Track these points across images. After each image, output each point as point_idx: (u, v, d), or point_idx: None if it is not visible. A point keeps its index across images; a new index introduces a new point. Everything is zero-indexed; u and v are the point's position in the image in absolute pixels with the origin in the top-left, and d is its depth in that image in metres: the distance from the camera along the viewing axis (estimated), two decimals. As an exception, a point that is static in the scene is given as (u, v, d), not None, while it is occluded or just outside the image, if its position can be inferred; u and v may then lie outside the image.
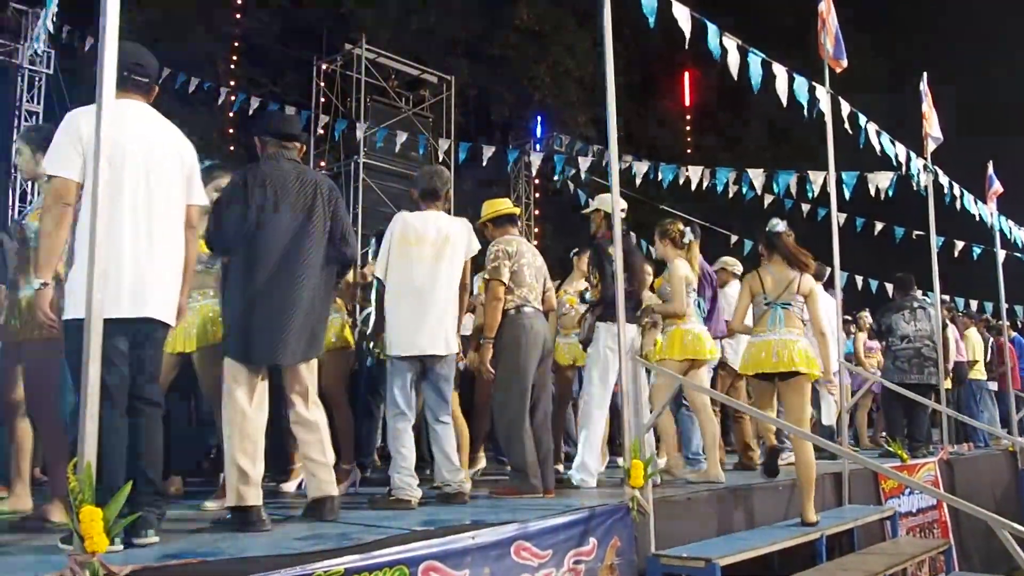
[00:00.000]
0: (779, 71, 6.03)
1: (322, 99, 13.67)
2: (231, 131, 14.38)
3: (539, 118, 17.09)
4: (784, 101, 6.08)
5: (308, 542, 3.04)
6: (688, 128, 22.42)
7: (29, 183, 9.87)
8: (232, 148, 14.32)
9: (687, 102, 22.63)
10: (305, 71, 14.02)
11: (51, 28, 8.94)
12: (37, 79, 10.25)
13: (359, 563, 2.76)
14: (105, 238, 2.53)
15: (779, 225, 5.30)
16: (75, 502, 2.24)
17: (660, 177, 13.06)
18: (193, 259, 3.34)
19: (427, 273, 4.30)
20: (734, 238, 13.59)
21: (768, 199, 11.83)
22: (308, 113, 12.95)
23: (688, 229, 5.73)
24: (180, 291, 3.23)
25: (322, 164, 13.52)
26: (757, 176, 11.59)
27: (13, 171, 9.90)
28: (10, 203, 9.69)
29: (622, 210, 5.20)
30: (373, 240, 5.69)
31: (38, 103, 10.24)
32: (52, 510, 3.44)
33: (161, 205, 3.12)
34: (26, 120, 10.10)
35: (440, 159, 13.43)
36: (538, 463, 4.67)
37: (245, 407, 3.54)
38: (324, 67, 13.64)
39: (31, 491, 3.97)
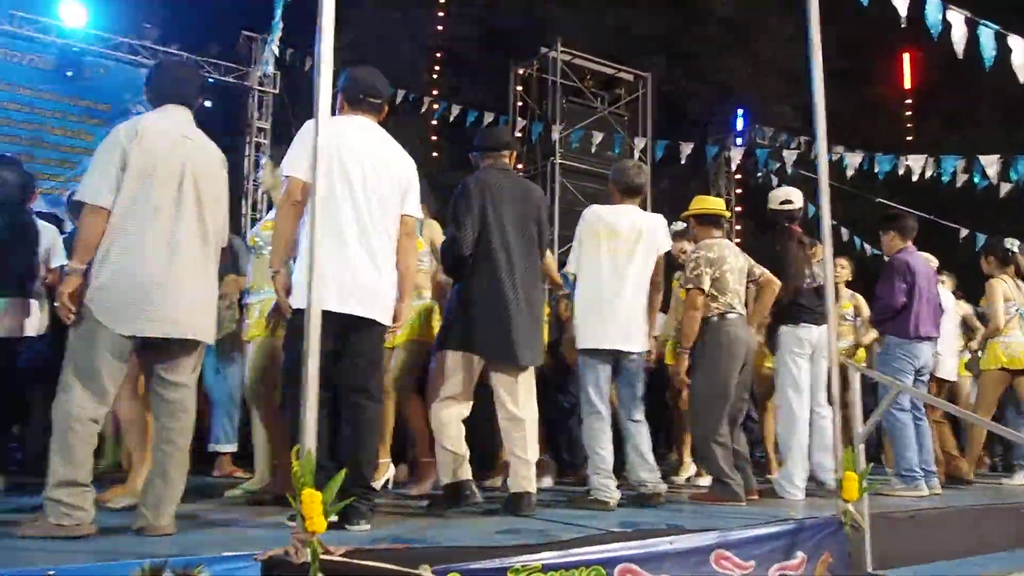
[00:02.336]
0: (1015, 44, 5.44)
1: (519, 103, 13.97)
2: (433, 138, 15.03)
3: (740, 111, 16.46)
4: (1022, 77, 5.47)
5: (508, 536, 3.10)
6: (907, 114, 20.74)
7: (260, 193, 10.85)
8: (436, 155, 14.95)
9: (906, 85, 20.93)
10: (502, 76, 14.40)
11: (276, 52, 9.83)
12: (265, 99, 11.24)
13: (557, 560, 2.77)
14: (323, 240, 2.72)
15: (1015, 245, 6.30)
16: (296, 485, 2.41)
17: (876, 168, 12.19)
18: (412, 267, 3.56)
19: (618, 267, 4.25)
20: (963, 232, 12.39)
21: (1005, 188, 10.71)
22: (505, 118, 13.27)
23: (1015, 244, 6.27)
24: (400, 298, 3.45)
25: (519, 167, 13.81)
26: (991, 163, 10.52)
27: (244, 182, 10.92)
28: (242, 212, 10.68)
29: (786, 202, 5.00)
30: None
31: (266, 120, 11.23)
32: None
33: (375, 212, 3.34)
34: (256, 136, 11.12)
35: (637, 157, 13.33)
36: (735, 469, 4.52)
37: (450, 398, 3.70)
38: (520, 71, 13.94)
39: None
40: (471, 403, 3.87)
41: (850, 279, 6.74)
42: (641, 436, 4.33)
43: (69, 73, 9.96)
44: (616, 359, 4.30)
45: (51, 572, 2.22)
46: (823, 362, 4.84)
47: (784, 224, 5.10)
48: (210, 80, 10.83)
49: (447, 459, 3.71)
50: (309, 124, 3.23)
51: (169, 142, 3.08)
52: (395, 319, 3.47)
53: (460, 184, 3.97)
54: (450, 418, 3.75)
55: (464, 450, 3.73)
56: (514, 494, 3.83)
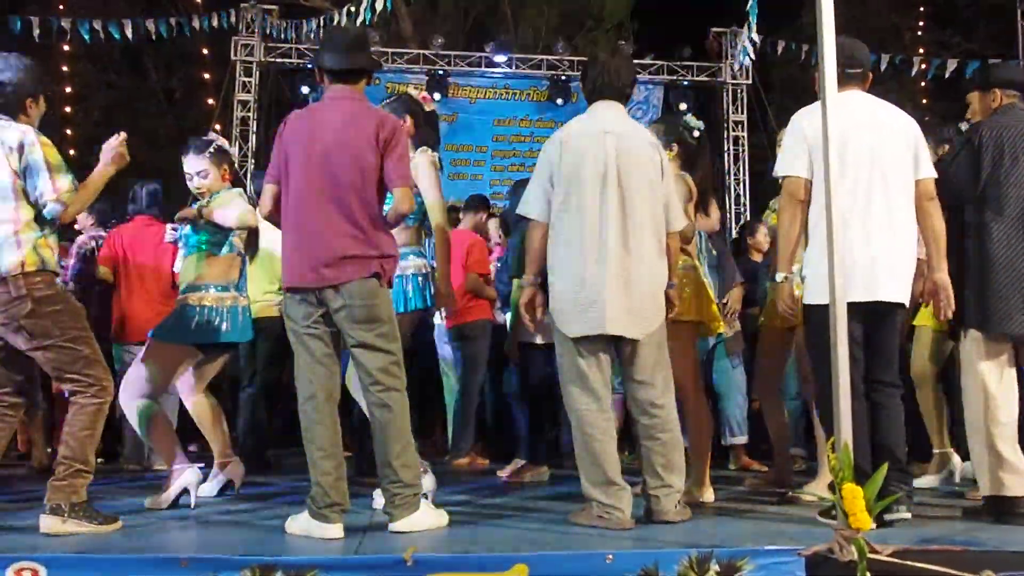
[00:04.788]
0: None
1: (1030, 43, 11.93)
2: (924, 101, 13.57)
3: None
4: None
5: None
6: None
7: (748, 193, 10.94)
8: (926, 118, 13.49)
9: None
10: (1003, 19, 12.44)
11: (756, 39, 9.76)
12: (739, 91, 11.25)
13: None
14: (840, 227, 2.59)
15: None
16: (836, 480, 2.32)
17: None
18: (941, 228, 3.19)
19: None
20: None
21: None
22: (1016, 62, 11.41)
23: None
24: (936, 265, 3.16)
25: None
26: None
27: (726, 178, 11.07)
28: (730, 215, 10.81)
29: None
30: None
31: (741, 113, 11.23)
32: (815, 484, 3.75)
33: (892, 186, 3.10)
34: (734, 130, 11.19)
35: None
36: None
37: (992, 388, 3.24)
38: (1030, 7, 11.89)
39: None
40: (1015, 389, 3.32)
41: None
42: None
43: (559, 100, 11.10)
44: None
45: (610, 556, 2.42)
46: None
47: None
48: (685, 82, 11.20)
49: (993, 463, 3.18)
50: (795, 118, 3.16)
51: (590, 142, 3.15)
52: (942, 291, 3.15)
53: (971, 126, 3.45)
54: (998, 414, 3.21)
55: (1006, 450, 3.19)
56: None
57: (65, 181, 2.99)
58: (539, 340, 4.77)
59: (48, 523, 2.83)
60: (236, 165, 4.08)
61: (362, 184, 2.94)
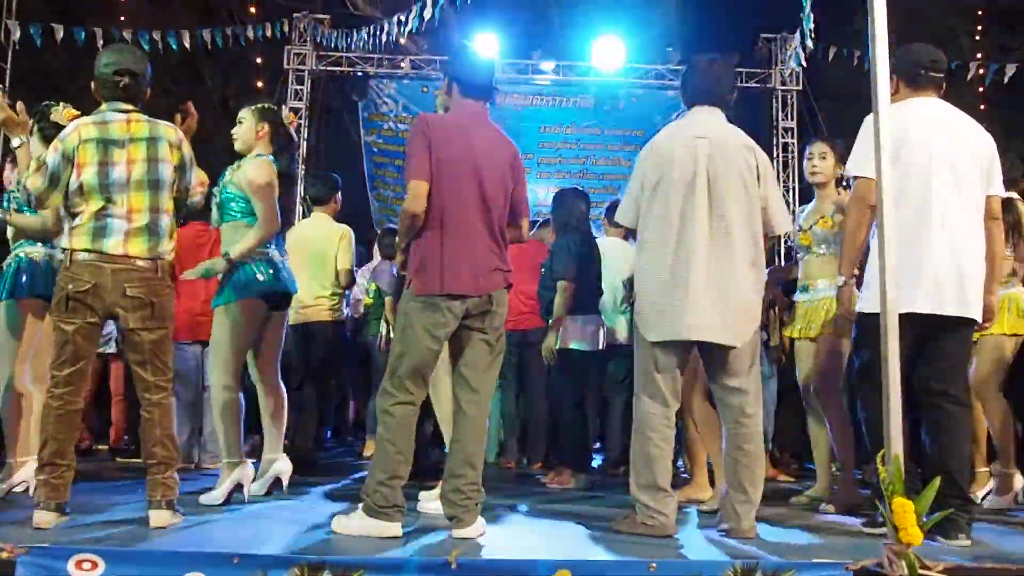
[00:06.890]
0: None
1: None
2: (982, 107, 13.21)
3: None
4: None
5: None
6: None
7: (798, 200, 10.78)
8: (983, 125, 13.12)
9: None
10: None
11: (811, 44, 9.64)
12: (788, 97, 11.12)
13: None
14: (894, 234, 2.56)
15: None
16: (886, 492, 2.29)
17: None
18: (1000, 252, 3.16)
19: None
20: None
21: None
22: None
23: None
24: (988, 289, 3.09)
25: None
26: None
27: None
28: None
29: None
30: None
31: (792, 119, 11.09)
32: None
33: (960, 198, 3.06)
34: (782, 136, 11.04)
35: None
36: None
37: None
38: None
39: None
40: None
41: None
42: None
43: (606, 108, 11.09)
44: None
45: (654, 564, 2.40)
46: None
47: None
48: (732, 89, 11.10)
49: None
50: (870, 118, 3.08)
51: (681, 147, 3.10)
52: (986, 314, 3.09)
53: None
54: None
55: None
56: None
57: (201, 174, 3.28)
58: (579, 346, 4.78)
59: (164, 517, 2.98)
60: (282, 132, 4.02)
61: (503, 205, 3.10)
